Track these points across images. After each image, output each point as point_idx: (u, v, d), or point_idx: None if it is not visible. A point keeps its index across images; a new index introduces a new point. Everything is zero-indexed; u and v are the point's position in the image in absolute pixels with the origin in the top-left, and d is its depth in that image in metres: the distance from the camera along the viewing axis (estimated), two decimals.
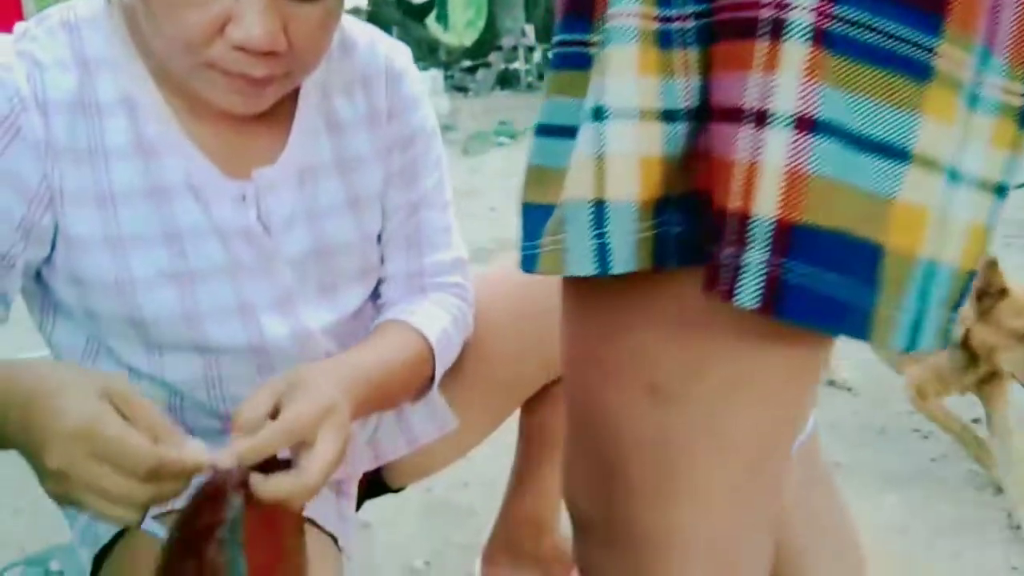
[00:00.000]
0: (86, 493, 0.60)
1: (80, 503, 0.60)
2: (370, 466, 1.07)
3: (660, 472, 0.53)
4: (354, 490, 1.03)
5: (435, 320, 0.97)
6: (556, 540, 1.26)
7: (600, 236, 0.47)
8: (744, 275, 0.44)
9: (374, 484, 1.13)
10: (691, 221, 0.47)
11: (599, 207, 0.47)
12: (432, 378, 0.97)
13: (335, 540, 0.93)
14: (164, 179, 0.80)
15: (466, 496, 1.58)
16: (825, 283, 0.43)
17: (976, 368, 1.52)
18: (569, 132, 0.49)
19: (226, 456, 0.64)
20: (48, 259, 0.81)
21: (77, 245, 0.79)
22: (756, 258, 0.43)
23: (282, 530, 0.70)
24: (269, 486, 0.65)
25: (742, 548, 0.55)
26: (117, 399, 0.62)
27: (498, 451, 1.70)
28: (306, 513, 0.90)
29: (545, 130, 0.52)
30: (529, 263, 0.52)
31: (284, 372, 0.74)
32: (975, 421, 1.63)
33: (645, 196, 0.47)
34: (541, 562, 1.27)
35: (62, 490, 0.61)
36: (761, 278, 0.43)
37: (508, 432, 1.57)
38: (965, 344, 1.51)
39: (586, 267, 0.48)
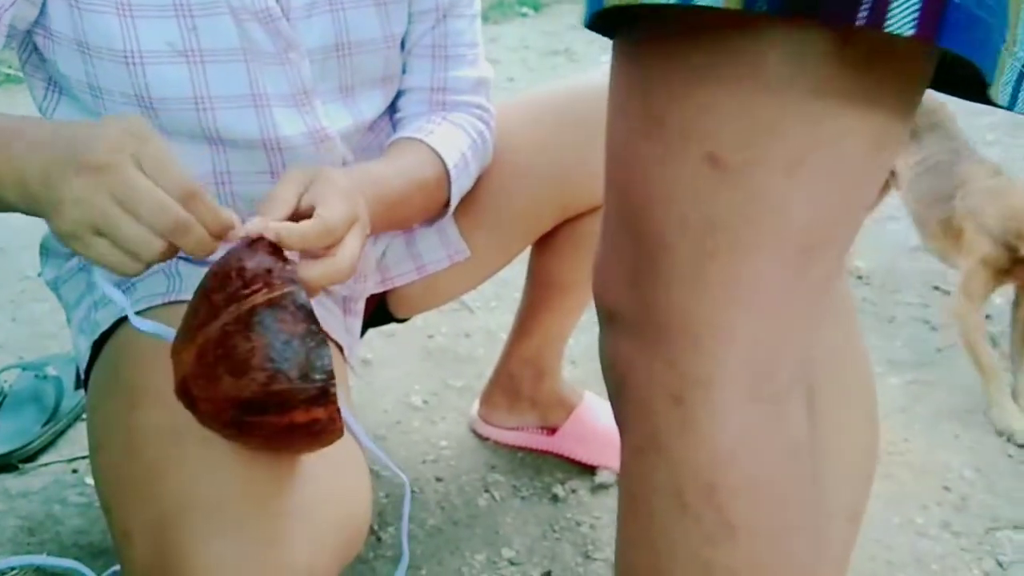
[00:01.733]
0: (95, 234, 0.56)
1: (85, 242, 0.57)
2: (377, 289, 1.04)
3: (704, 257, 0.49)
4: (360, 308, 1.01)
5: (454, 143, 0.92)
6: (556, 385, 1.26)
7: None
8: None
9: (379, 313, 1.11)
10: None
11: None
12: (447, 203, 0.94)
13: (341, 351, 0.91)
14: None
15: (467, 345, 1.58)
16: (983, 8, 0.39)
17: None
18: None
19: (257, 224, 0.61)
20: (39, 23, 0.76)
21: (84, 4, 0.74)
22: None
23: None
24: (310, 269, 0.63)
25: (781, 347, 0.52)
26: (147, 160, 0.57)
27: (502, 305, 1.70)
28: None
29: None
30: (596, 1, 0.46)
31: (303, 166, 0.70)
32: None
33: None
34: (538, 406, 1.26)
35: (69, 226, 0.56)
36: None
37: (514, 288, 1.55)
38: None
39: None
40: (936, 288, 1.82)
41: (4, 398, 1.28)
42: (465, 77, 0.95)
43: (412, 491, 1.21)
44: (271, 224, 0.61)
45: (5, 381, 1.31)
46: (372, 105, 0.91)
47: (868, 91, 0.46)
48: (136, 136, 0.57)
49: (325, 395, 0.58)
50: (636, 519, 0.56)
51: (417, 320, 1.24)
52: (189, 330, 0.61)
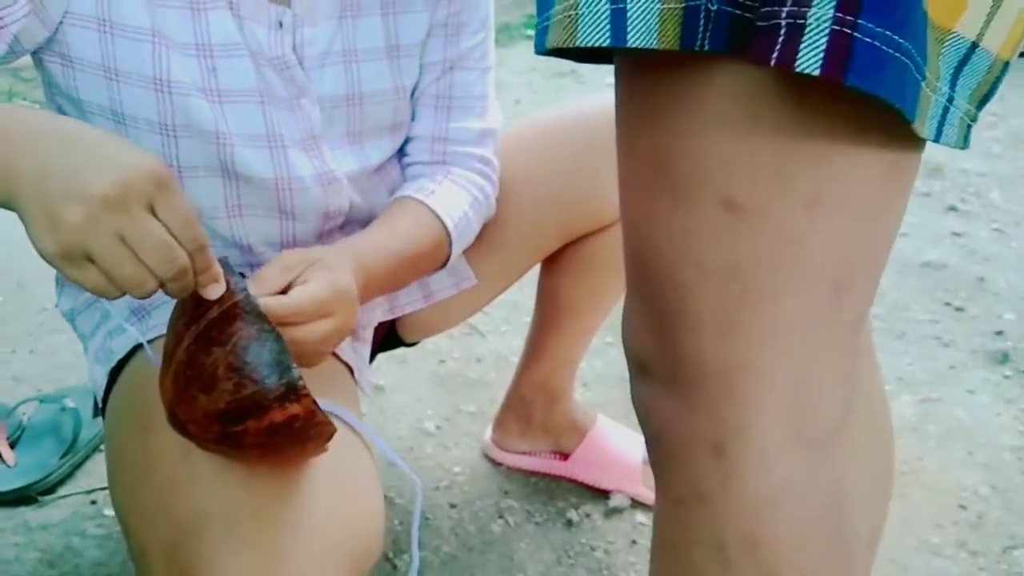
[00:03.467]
0: (87, 259, 0.54)
1: (76, 264, 0.54)
2: (385, 317, 1.06)
3: (731, 303, 0.49)
4: (369, 336, 1.02)
5: (455, 203, 0.94)
6: (568, 409, 1.26)
7: (617, 1, 0.43)
8: (807, 36, 0.40)
9: (388, 338, 1.13)
10: None
11: None
12: (447, 260, 0.95)
13: (351, 372, 0.93)
14: None
15: (478, 369, 1.58)
16: (894, 47, 0.39)
17: None
18: None
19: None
20: (52, 49, 0.77)
21: (119, 30, 0.76)
22: (822, 15, 0.39)
23: None
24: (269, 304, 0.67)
25: (823, 388, 0.51)
26: (166, 209, 0.56)
27: (513, 329, 1.70)
28: None
29: None
30: (540, 38, 0.47)
31: (302, 251, 0.76)
32: None
33: None
34: (551, 431, 1.27)
35: (63, 247, 0.53)
36: (825, 38, 0.39)
37: (524, 312, 1.56)
38: None
39: (598, 36, 0.44)
40: (947, 304, 1.81)
41: (23, 431, 1.29)
42: (468, 128, 0.96)
43: (426, 518, 1.22)
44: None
45: (24, 414, 1.32)
46: (379, 151, 0.93)
47: (868, 125, 0.46)
48: (157, 183, 0.55)
49: (294, 389, 0.59)
50: (673, 570, 0.55)
51: (428, 345, 1.25)
52: (165, 361, 0.64)
